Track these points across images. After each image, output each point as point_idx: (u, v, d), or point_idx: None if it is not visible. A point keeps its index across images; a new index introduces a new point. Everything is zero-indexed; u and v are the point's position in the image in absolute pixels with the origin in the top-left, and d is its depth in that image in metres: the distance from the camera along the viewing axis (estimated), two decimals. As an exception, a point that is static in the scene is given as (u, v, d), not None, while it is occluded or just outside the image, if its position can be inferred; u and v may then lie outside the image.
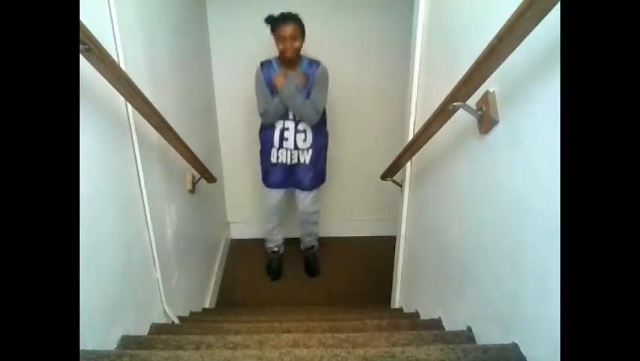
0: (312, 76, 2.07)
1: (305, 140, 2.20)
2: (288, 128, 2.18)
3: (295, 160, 2.26)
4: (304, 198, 2.42)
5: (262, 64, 2.09)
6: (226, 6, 2.40)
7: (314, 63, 2.08)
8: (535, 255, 0.75)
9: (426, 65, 1.50)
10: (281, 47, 1.95)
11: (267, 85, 2.08)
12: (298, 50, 1.98)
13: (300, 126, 2.17)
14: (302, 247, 2.71)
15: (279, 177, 2.32)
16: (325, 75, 2.09)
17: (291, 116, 2.15)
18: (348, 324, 1.39)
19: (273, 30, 1.95)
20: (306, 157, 2.25)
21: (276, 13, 1.92)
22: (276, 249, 2.65)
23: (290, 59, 2.00)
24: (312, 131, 2.19)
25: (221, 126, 2.71)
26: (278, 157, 2.25)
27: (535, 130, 0.75)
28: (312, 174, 2.31)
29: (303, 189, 2.37)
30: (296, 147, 2.21)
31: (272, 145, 2.23)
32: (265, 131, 2.24)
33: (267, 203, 2.46)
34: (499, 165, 0.90)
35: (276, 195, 2.40)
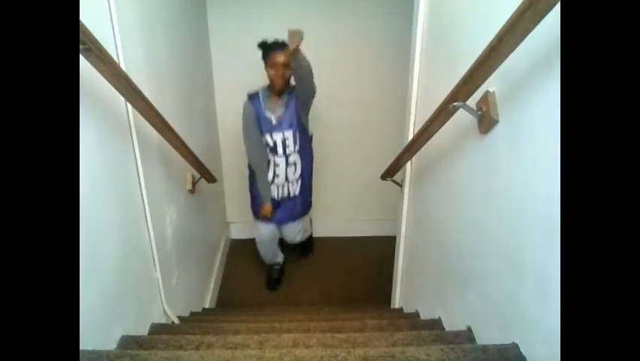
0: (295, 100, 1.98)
1: (295, 171, 2.17)
2: (278, 165, 2.12)
3: (285, 194, 2.22)
4: (294, 228, 2.36)
5: (250, 97, 2.02)
6: (226, 6, 2.40)
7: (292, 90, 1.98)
8: (535, 255, 0.75)
9: (426, 65, 1.50)
10: (272, 73, 1.89)
11: (257, 121, 2.01)
12: (289, 79, 1.93)
13: (291, 159, 2.12)
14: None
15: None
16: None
17: (280, 151, 2.08)
18: (348, 324, 1.39)
19: (265, 57, 1.88)
20: (296, 189, 2.22)
21: (270, 38, 1.86)
22: (278, 260, 2.59)
23: (280, 89, 1.94)
24: (301, 162, 2.14)
25: (221, 126, 2.71)
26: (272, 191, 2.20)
27: (535, 130, 0.75)
28: (301, 204, 2.28)
29: (294, 218, 2.31)
30: (287, 179, 2.17)
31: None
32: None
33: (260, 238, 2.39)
34: (499, 165, 0.90)
35: (269, 229, 2.33)
